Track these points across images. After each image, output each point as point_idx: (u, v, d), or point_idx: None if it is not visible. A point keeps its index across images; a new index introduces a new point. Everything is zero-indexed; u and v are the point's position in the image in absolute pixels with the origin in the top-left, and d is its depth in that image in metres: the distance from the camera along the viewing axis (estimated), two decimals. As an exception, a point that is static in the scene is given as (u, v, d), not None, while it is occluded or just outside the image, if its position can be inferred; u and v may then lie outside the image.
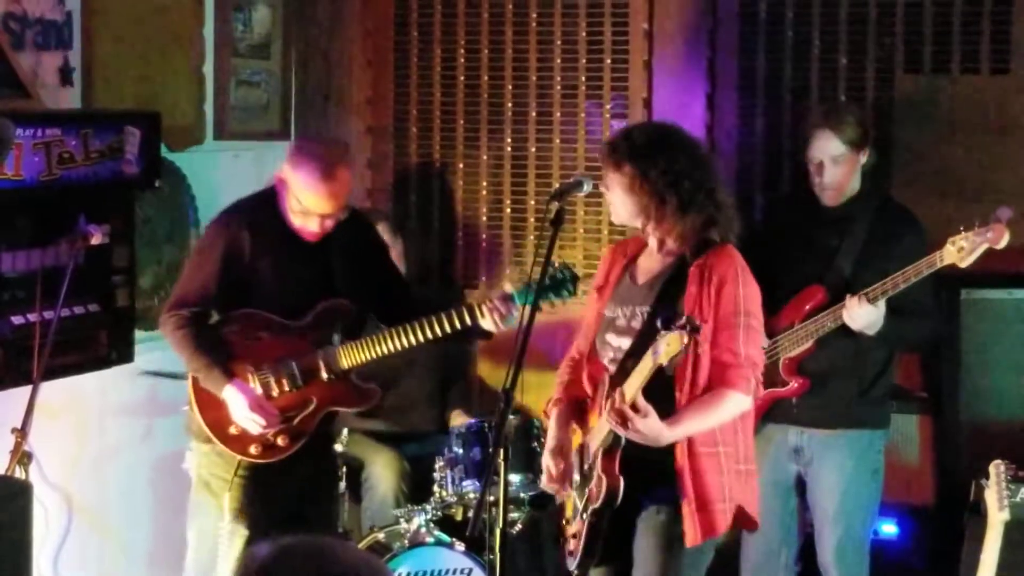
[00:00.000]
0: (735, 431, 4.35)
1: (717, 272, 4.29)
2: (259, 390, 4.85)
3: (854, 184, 5.29)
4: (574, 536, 4.45)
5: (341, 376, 4.93)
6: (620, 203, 4.42)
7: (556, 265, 4.82)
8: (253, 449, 4.86)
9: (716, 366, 4.26)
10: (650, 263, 4.50)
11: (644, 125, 4.64)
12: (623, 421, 4.12)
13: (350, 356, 4.91)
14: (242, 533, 4.89)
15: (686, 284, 4.31)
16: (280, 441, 4.87)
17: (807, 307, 5.17)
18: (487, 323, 4.86)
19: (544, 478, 4.59)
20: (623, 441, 4.25)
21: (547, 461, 4.56)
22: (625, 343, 4.40)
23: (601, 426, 4.32)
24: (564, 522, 4.57)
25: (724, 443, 4.32)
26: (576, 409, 4.59)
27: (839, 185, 5.25)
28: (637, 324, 4.39)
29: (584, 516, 4.38)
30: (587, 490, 4.38)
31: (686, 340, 3.93)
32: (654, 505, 4.34)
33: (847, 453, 5.23)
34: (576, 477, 4.48)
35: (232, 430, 4.85)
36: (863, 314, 4.99)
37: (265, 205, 4.96)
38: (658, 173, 4.33)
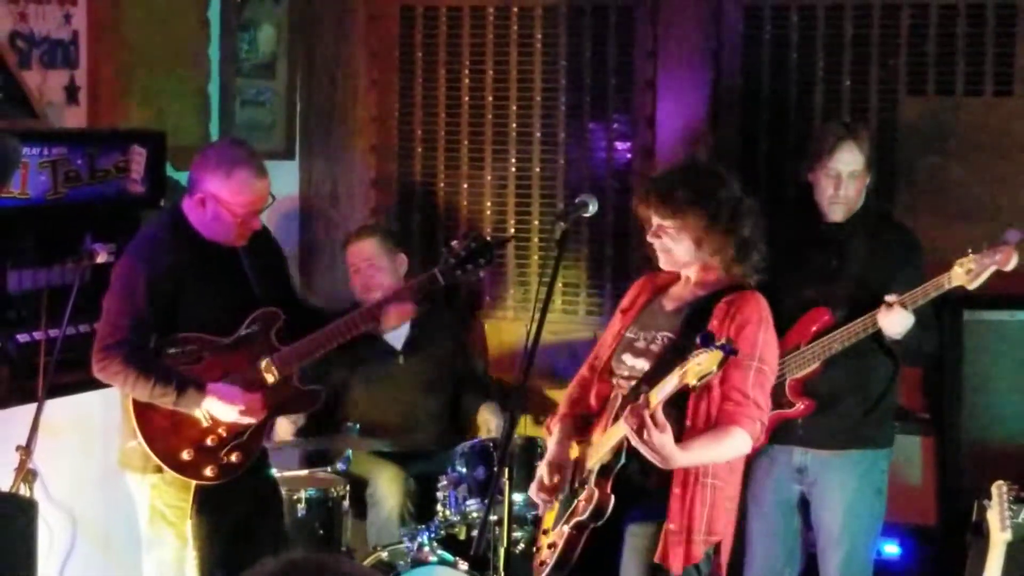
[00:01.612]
0: (729, 467, 4.38)
1: (742, 312, 4.32)
2: None
3: (859, 203, 5.31)
4: (550, 547, 4.46)
5: (284, 383, 4.93)
6: (684, 250, 4.42)
7: (467, 237, 5.03)
8: (209, 472, 4.84)
9: (724, 403, 4.27)
10: (682, 292, 4.53)
11: (700, 167, 4.69)
12: (641, 428, 4.10)
13: (289, 363, 4.93)
14: (199, 559, 4.88)
15: (711, 317, 4.33)
16: (234, 458, 4.87)
17: (814, 328, 5.17)
18: (391, 319, 5.00)
19: (534, 486, 4.58)
20: (622, 460, 4.26)
21: (542, 471, 4.56)
22: (640, 364, 4.41)
23: (602, 442, 4.32)
24: (542, 532, 4.57)
25: (716, 476, 4.33)
26: (579, 425, 4.59)
27: (852, 200, 5.25)
28: (656, 347, 4.41)
29: (565, 528, 4.39)
30: (575, 503, 4.38)
31: (721, 359, 3.94)
32: (638, 527, 4.36)
33: (851, 473, 5.23)
34: (565, 490, 4.48)
35: (185, 456, 4.82)
36: (900, 319, 4.98)
37: (174, 229, 4.93)
38: (726, 218, 4.38)
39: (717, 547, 4.39)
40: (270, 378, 4.90)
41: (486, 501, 5.30)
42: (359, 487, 6.06)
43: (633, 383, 4.40)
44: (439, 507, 5.74)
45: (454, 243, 4.98)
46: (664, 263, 4.50)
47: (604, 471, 4.31)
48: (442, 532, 5.67)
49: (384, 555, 5.72)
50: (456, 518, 5.70)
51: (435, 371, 6.43)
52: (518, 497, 5.56)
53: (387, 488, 6.03)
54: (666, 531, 4.28)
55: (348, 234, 6.56)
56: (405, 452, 6.24)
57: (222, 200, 4.82)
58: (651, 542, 4.32)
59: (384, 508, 6.00)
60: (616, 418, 4.30)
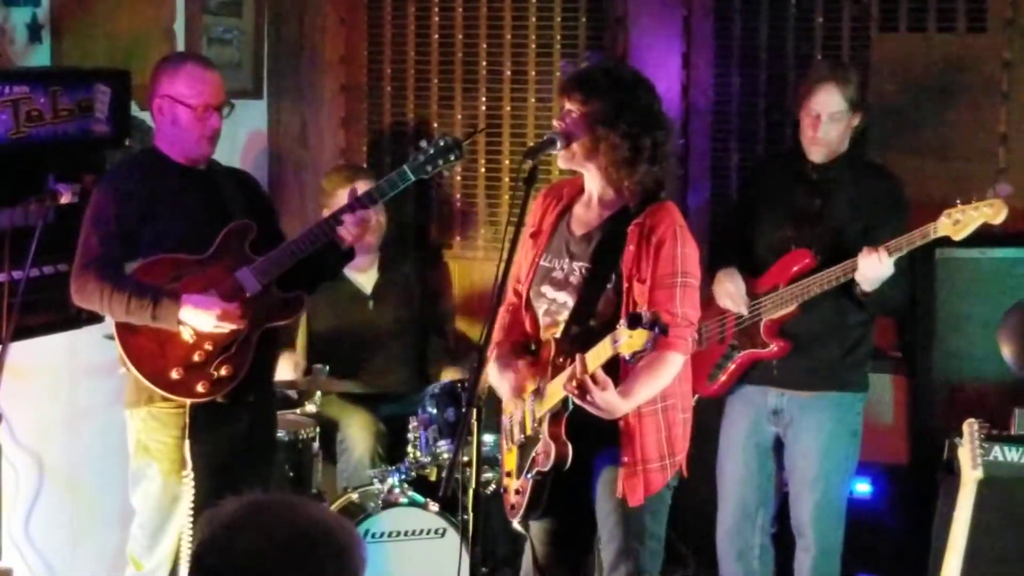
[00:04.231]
0: (677, 381, 4.35)
1: (657, 232, 4.28)
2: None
3: (842, 146, 5.27)
4: (517, 492, 4.46)
5: (263, 292, 4.90)
6: (577, 144, 4.36)
7: (436, 136, 5.06)
8: (200, 388, 4.80)
9: None
10: (588, 214, 4.47)
11: (607, 64, 4.63)
12: (583, 393, 4.11)
13: (267, 272, 4.90)
14: (189, 490, 4.85)
15: (625, 243, 4.30)
16: (224, 372, 4.83)
17: (795, 269, 5.15)
18: (344, 231, 4.88)
19: (506, 396, 4.57)
20: (571, 406, 4.24)
21: (498, 384, 4.56)
22: (562, 297, 4.39)
23: (550, 392, 4.30)
24: (506, 474, 4.56)
25: (665, 398, 4.33)
26: (517, 351, 4.56)
27: (831, 142, 5.21)
28: (575, 279, 4.39)
29: (529, 476, 4.39)
30: (533, 453, 4.37)
31: (652, 339, 3.92)
32: (606, 466, 4.36)
33: (827, 415, 5.22)
34: (519, 436, 4.46)
35: (174, 375, 4.78)
36: (882, 267, 4.95)
37: (145, 157, 5.05)
38: (619, 115, 4.30)
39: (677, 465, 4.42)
40: (249, 288, 4.87)
41: (456, 442, 5.29)
42: (329, 430, 6.05)
43: (562, 321, 4.38)
44: (410, 448, 5.74)
45: (423, 142, 4.97)
46: (562, 158, 4.40)
47: (555, 419, 4.30)
48: (413, 473, 5.67)
49: (355, 496, 5.73)
50: (427, 459, 5.70)
51: (404, 313, 6.42)
52: (488, 438, 5.56)
53: (357, 434, 6.03)
54: (621, 467, 4.30)
55: (337, 169, 6.55)
56: (374, 394, 6.22)
57: (176, 95, 4.88)
58: (615, 481, 4.34)
59: (355, 454, 6.00)
60: (555, 365, 4.30)
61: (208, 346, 4.80)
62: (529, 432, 4.41)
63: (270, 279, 4.89)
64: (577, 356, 4.12)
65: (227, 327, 4.77)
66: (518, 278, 4.58)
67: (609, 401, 4.12)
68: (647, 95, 4.38)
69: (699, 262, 4.39)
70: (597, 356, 4.08)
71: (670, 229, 4.29)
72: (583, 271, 4.37)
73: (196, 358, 4.80)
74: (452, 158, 4.93)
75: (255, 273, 4.87)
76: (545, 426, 4.31)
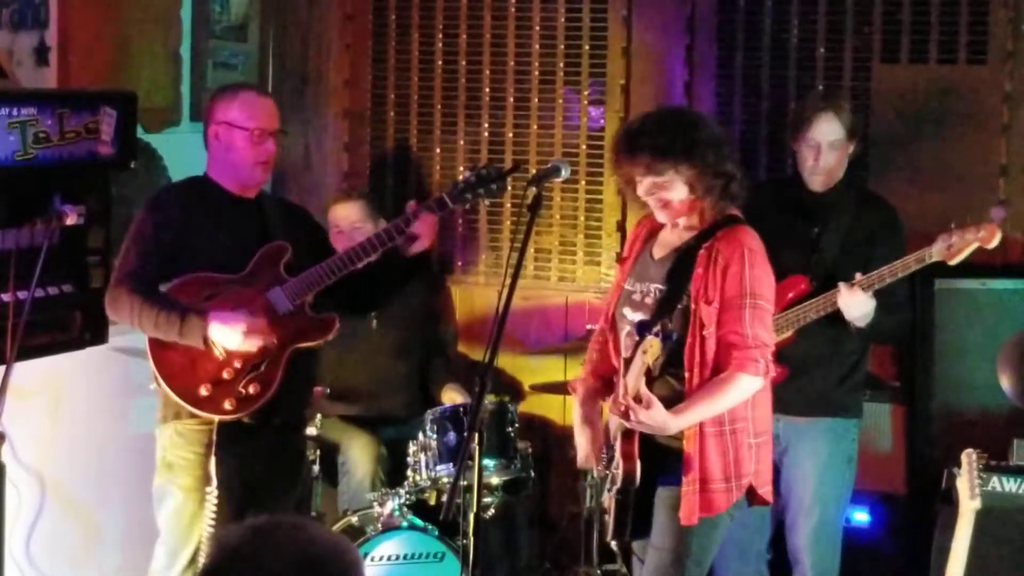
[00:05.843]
0: (748, 405, 4.38)
1: (724, 254, 4.33)
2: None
3: (840, 173, 5.30)
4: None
5: (295, 312, 4.93)
6: (681, 199, 4.41)
7: (478, 166, 5.14)
8: (228, 405, 4.81)
9: (723, 347, 4.29)
10: (669, 237, 4.53)
11: (674, 114, 4.66)
12: (626, 413, 4.16)
13: (300, 292, 4.92)
14: (212, 507, 4.86)
15: (694, 264, 4.35)
16: (252, 390, 4.84)
17: (789, 296, 5.17)
18: (419, 226, 4.95)
19: (579, 456, 4.64)
20: None
21: (576, 436, 4.63)
22: (638, 318, 4.42)
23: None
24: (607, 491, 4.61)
25: (733, 420, 4.34)
26: (604, 385, 4.62)
27: (831, 171, 5.25)
28: (650, 300, 4.44)
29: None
30: (611, 470, 4.43)
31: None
32: (663, 486, 4.39)
33: (823, 440, 5.24)
34: (604, 455, 4.53)
35: (202, 391, 4.80)
36: (859, 303, 5.00)
37: (192, 183, 5.11)
38: (713, 159, 4.38)
39: (751, 487, 4.43)
40: (280, 308, 4.90)
41: (456, 466, 5.30)
42: (330, 452, 6.05)
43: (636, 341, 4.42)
44: (409, 472, 5.75)
45: (465, 173, 5.03)
46: (665, 217, 4.49)
47: (627, 437, 4.34)
48: (412, 497, 5.67)
49: (354, 520, 5.73)
50: (427, 483, 5.70)
51: (406, 336, 6.43)
52: (488, 462, 5.58)
53: (359, 456, 6.03)
54: (682, 485, 4.33)
55: (334, 195, 6.58)
56: (375, 417, 6.23)
57: (232, 121, 4.93)
58: (674, 498, 4.36)
59: (356, 476, 6.00)
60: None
61: (237, 364, 4.82)
62: (609, 451, 4.49)
63: (302, 299, 4.93)
64: (620, 380, 4.16)
65: (254, 343, 4.80)
66: (608, 305, 4.67)
67: (655, 418, 4.17)
68: (705, 129, 4.45)
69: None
70: (636, 373, 4.14)
71: (738, 251, 4.33)
72: (657, 292, 4.42)
73: (225, 375, 4.82)
74: (494, 188, 4.96)
75: (287, 293, 4.90)
76: (618, 444, 4.37)
